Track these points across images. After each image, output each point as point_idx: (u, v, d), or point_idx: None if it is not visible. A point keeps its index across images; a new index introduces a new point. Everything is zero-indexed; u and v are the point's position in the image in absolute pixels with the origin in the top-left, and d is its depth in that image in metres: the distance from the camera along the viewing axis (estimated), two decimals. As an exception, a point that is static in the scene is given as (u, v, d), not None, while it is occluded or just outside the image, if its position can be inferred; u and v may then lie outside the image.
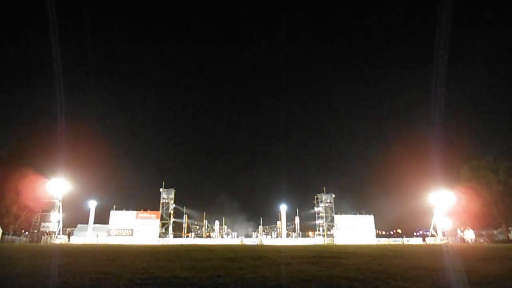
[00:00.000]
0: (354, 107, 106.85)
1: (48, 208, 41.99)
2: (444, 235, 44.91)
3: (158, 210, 45.79)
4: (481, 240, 41.49)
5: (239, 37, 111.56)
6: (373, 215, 46.02)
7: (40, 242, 38.24)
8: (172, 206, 47.09)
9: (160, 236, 44.00)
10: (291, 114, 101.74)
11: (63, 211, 43.14)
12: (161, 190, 47.03)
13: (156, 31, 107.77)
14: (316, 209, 48.89)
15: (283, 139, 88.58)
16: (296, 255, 11.68)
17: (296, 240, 45.87)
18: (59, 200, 42.53)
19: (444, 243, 40.40)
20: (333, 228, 46.01)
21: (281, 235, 47.70)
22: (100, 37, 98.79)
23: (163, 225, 46.09)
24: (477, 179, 42.97)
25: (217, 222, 53.31)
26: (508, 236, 42.71)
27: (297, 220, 51.12)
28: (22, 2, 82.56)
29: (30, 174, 38.76)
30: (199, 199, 62.53)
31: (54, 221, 41.84)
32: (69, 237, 41.00)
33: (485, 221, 43.93)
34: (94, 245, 29.41)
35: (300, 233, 50.29)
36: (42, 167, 40.95)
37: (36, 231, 40.57)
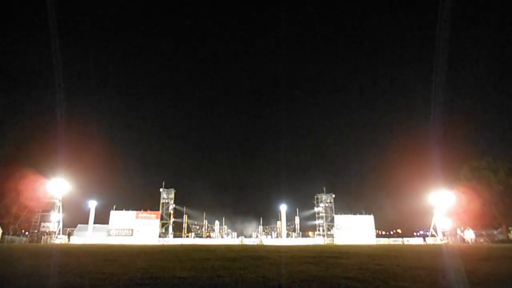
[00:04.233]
0: (354, 107, 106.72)
1: (48, 208, 41.99)
2: (444, 235, 44.90)
3: (158, 210, 45.79)
4: (481, 240, 41.44)
5: (239, 37, 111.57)
6: (373, 215, 46.09)
7: (40, 242, 38.24)
8: (172, 206, 47.09)
9: (160, 236, 43.99)
10: (291, 114, 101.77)
11: (63, 211, 43.16)
12: (161, 190, 47.05)
13: (157, 32, 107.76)
14: (316, 209, 48.89)
15: (283, 139, 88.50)
16: (296, 255, 11.68)
17: (296, 240, 45.86)
18: (59, 200, 42.54)
19: (444, 243, 40.39)
20: (333, 228, 46.00)
21: (281, 235, 47.70)
22: (101, 37, 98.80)
23: (163, 225, 46.09)
24: (477, 179, 42.96)
25: (217, 222, 53.35)
26: (508, 236, 42.68)
27: (297, 220, 51.15)
28: (22, 2, 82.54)
29: (30, 174, 38.80)
30: (199, 199, 62.53)
31: (54, 221, 41.85)
32: (69, 237, 41.00)
33: (485, 221, 43.91)
34: (94, 245, 29.41)
35: (300, 233, 50.30)
36: (42, 167, 41.05)
37: (36, 231, 40.57)
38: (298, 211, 51.20)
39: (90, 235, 42.36)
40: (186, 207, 51.04)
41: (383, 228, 60.45)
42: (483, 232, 44.63)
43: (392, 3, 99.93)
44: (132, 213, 44.22)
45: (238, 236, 50.75)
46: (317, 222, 48.45)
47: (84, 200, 44.83)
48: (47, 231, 40.87)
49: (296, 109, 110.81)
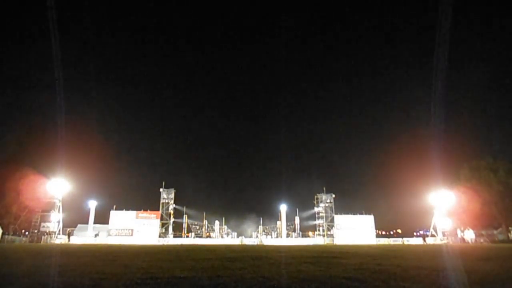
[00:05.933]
0: (354, 107, 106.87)
1: (48, 208, 42.00)
2: (444, 235, 44.89)
3: (158, 210, 45.79)
4: (481, 240, 41.43)
5: (239, 38, 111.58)
6: (373, 215, 46.10)
7: (40, 242, 38.23)
8: (172, 206, 47.08)
9: (160, 236, 43.99)
10: (292, 115, 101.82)
11: (63, 211, 43.16)
12: (161, 190, 47.05)
13: (157, 33, 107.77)
14: (316, 209, 48.89)
15: (283, 139, 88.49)
16: (296, 255, 11.67)
17: (296, 240, 45.85)
18: (59, 200, 42.54)
19: (444, 243, 40.38)
20: (333, 228, 46.00)
21: (281, 235, 47.70)
22: (101, 37, 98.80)
23: (163, 225, 46.09)
24: (477, 179, 42.95)
25: (217, 222, 53.33)
26: (508, 236, 42.68)
27: (297, 220, 51.12)
28: (22, 3, 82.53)
29: (30, 174, 38.76)
30: (199, 199, 62.59)
31: (54, 221, 41.85)
32: (69, 237, 40.99)
33: (485, 221, 43.91)
34: (94, 245, 29.41)
35: (300, 233, 50.28)
36: (42, 167, 41.02)
37: (36, 231, 40.57)
38: (298, 211, 51.24)
39: (90, 235, 42.38)
40: (186, 207, 51.09)
41: (383, 228, 60.54)
42: (483, 232, 44.63)
43: (393, 4, 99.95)
44: (132, 213, 44.21)
45: (238, 236, 50.73)
46: (317, 222, 48.44)
47: (84, 200, 44.93)
48: (47, 231, 40.86)
49: (296, 109, 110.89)
